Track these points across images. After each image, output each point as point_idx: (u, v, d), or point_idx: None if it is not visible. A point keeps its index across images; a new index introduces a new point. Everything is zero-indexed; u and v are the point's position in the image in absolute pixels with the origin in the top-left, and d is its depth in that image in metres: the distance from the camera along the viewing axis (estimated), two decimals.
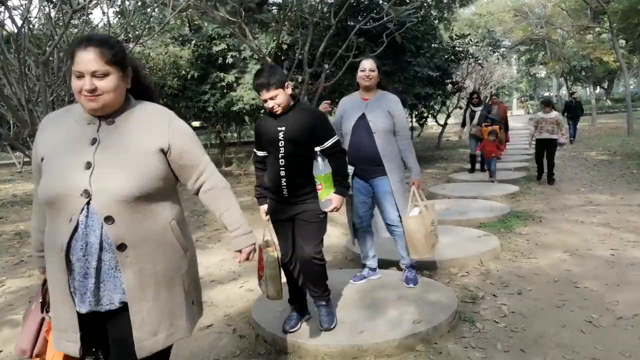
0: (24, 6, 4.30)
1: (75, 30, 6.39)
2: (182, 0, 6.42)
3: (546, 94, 44.06)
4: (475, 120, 8.54)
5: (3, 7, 4.11)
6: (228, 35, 9.94)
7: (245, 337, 2.86)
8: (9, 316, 3.40)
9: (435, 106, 13.39)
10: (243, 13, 7.47)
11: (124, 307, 1.42)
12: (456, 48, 11.69)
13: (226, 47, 10.04)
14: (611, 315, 2.88)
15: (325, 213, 2.56)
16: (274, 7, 11.30)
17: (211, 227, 5.81)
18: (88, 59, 1.37)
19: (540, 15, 25.30)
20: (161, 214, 1.48)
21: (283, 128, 2.49)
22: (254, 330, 2.91)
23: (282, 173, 2.49)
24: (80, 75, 1.38)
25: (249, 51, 9.61)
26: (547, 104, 7.65)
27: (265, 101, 2.47)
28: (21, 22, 4.22)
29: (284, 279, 2.64)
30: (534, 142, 7.65)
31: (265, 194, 2.68)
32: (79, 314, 1.43)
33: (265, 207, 2.68)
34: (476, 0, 17.57)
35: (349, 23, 9.28)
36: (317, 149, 2.46)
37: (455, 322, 2.84)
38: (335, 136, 2.58)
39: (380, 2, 9.68)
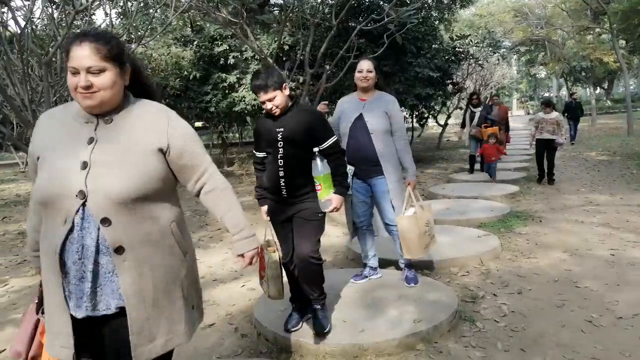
0: (27, 7, 4.33)
1: (78, 31, 6.41)
2: (184, 1, 6.45)
3: (546, 94, 43.99)
4: (475, 121, 8.54)
5: (6, 7, 4.14)
6: (230, 36, 9.95)
7: (247, 336, 2.88)
8: (12, 315, 3.43)
9: (435, 107, 13.37)
10: (245, 14, 7.50)
11: (121, 312, 1.37)
12: (456, 49, 11.70)
13: (228, 48, 10.06)
14: (611, 315, 2.90)
15: (324, 213, 2.57)
16: (275, 8, 11.33)
17: (213, 226, 5.83)
18: (83, 55, 1.31)
19: (541, 15, 25.28)
20: (160, 216, 1.43)
21: (282, 129, 2.51)
22: (255, 329, 2.93)
23: (281, 173, 2.51)
24: (75, 72, 1.33)
25: (250, 52, 9.62)
26: (548, 105, 7.66)
27: (264, 103, 2.48)
28: (24, 22, 4.25)
29: (285, 279, 2.66)
30: (534, 143, 7.67)
31: (265, 195, 2.69)
32: (74, 319, 1.37)
33: (266, 207, 2.70)
34: (476, 1, 17.57)
35: (350, 24, 9.28)
36: (316, 149, 2.48)
37: (456, 322, 2.86)
38: (334, 136, 2.59)
39: (381, 3, 9.69)
